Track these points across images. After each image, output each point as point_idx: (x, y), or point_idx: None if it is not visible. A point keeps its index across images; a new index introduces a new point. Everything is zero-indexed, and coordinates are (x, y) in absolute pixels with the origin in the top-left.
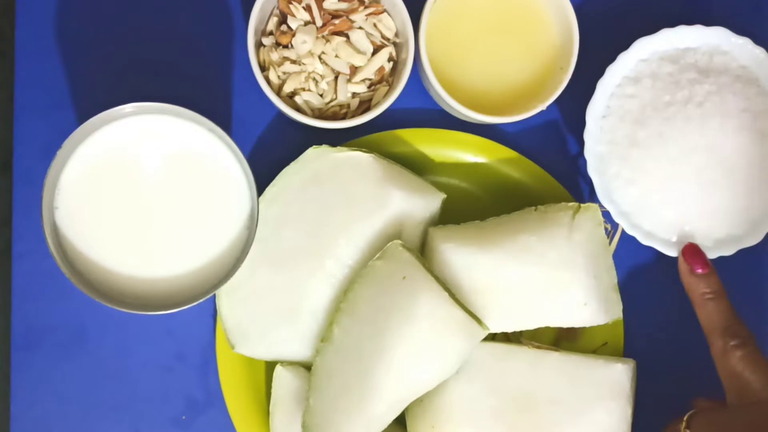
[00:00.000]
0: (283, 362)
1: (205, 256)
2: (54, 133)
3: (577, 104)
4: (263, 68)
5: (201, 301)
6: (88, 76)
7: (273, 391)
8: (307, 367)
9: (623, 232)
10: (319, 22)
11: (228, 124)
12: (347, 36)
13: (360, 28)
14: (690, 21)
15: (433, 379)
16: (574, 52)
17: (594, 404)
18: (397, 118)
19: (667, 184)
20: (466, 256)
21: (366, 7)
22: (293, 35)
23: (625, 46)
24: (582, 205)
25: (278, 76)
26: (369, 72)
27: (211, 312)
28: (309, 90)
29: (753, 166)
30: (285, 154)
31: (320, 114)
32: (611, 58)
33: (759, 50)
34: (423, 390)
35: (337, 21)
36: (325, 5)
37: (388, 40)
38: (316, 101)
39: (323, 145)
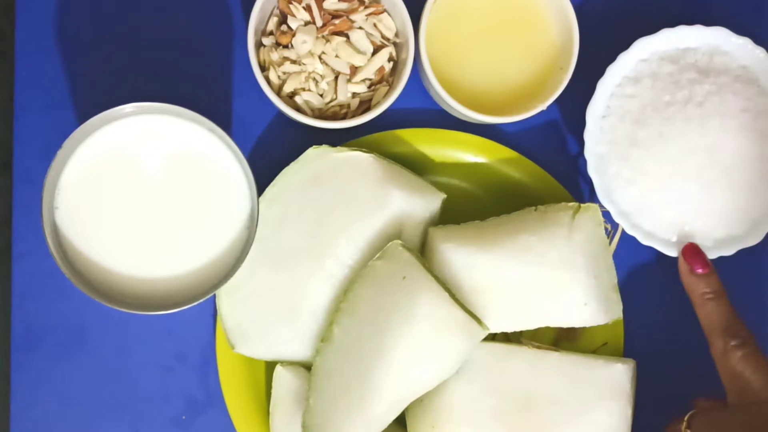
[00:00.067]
0: (283, 362)
1: (205, 256)
2: (54, 133)
3: (577, 104)
4: (263, 68)
5: (201, 301)
6: (88, 76)
7: (273, 391)
8: (307, 367)
9: (623, 232)
10: (319, 22)
11: (228, 124)
12: (347, 36)
13: (360, 28)
14: (690, 21)
15: (433, 379)
16: (574, 52)
17: (594, 404)
18: (397, 118)
19: (667, 184)
20: (466, 256)
21: (366, 7)
22: (293, 35)
23: (625, 46)
24: (582, 205)
25: (278, 76)
26: (369, 72)
27: (211, 312)
28: (309, 90)
29: (753, 166)
30: (285, 154)
31: (320, 114)
32: (611, 58)
33: (759, 50)
34: (423, 390)
35: (337, 21)
36: (325, 5)
37: (388, 40)
38: (316, 101)
39: (323, 145)
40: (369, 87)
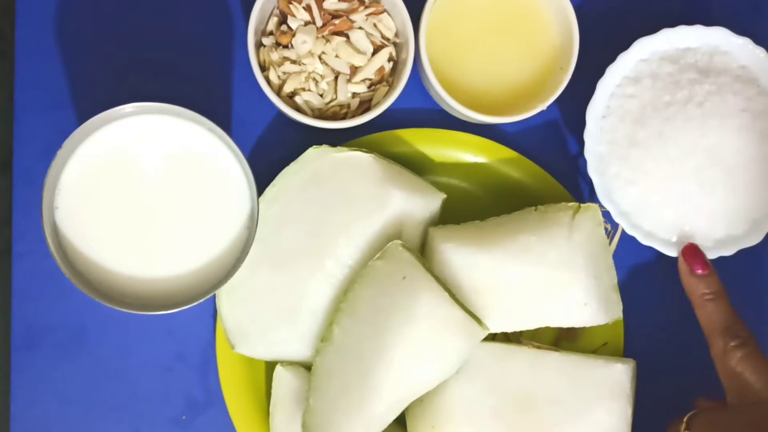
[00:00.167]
0: (283, 362)
1: (205, 256)
2: (54, 133)
3: (577, 104)
4: (263, 68)
5: (201, 301)
6: (88, 76)
7: (273, 391)
8: (307, 367)
9: (623, 232)
10: (319, 22)
11: (228, 124)
12: (347, 36)
13: (360, 28)
14: (690, 21)
15: (433, 379)
16: (574, 52)
17: (594, 404)
18: (397, 118)
19: (667, 184)
20: (466, 256)
21: (366, 7)
22: (293, 35)
23: (625, 46)
24: (582, 205)
25: (278, 76)
26: (369, 72)
27: (211, 312)
28: (309, 90)
29: (753, 166)
30: (285, 154)
31: (320, 114)
32: (611, 58)
33: (759, 50)
34: (423, 390)
35: (337, 21)
36: (325, 5)
37: (388, 40)
38: (316, 101)
39: (323, 145)
40: (369, 87)
